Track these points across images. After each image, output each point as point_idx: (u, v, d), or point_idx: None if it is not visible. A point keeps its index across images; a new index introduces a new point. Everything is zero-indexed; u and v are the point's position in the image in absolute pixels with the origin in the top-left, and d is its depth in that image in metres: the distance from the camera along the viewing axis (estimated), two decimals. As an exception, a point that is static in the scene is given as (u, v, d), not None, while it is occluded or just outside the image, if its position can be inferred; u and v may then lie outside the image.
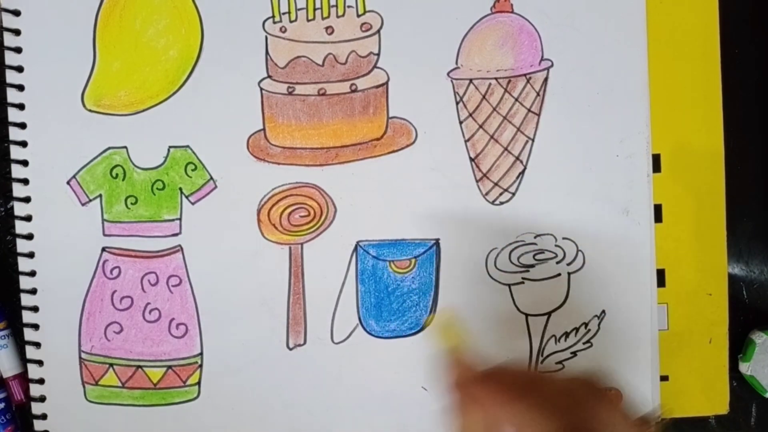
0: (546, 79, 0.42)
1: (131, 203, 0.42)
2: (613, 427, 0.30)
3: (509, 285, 0.42)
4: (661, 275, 0.42)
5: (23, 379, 0.43)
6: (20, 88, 0.41)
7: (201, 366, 0.42)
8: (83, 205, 0.42)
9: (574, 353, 0.42)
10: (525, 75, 0.41)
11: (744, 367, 0.42)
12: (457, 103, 0.42)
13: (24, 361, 0.42)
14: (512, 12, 0.41)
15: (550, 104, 0.42)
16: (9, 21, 0.41)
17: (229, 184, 0.42)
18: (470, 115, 0.42)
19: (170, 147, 0.42)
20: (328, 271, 0.42)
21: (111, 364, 0.42)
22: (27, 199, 0.42)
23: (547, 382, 0.32)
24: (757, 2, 0.44)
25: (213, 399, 0.42)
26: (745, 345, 0.43)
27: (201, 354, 0.42)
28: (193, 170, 0.42)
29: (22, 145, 0.41)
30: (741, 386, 0.44)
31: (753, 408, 0.44)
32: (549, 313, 0.42)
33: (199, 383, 0.42)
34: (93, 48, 0.42)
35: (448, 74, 0.42)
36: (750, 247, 0.44)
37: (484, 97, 0.41)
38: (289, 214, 0.42)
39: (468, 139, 0.42)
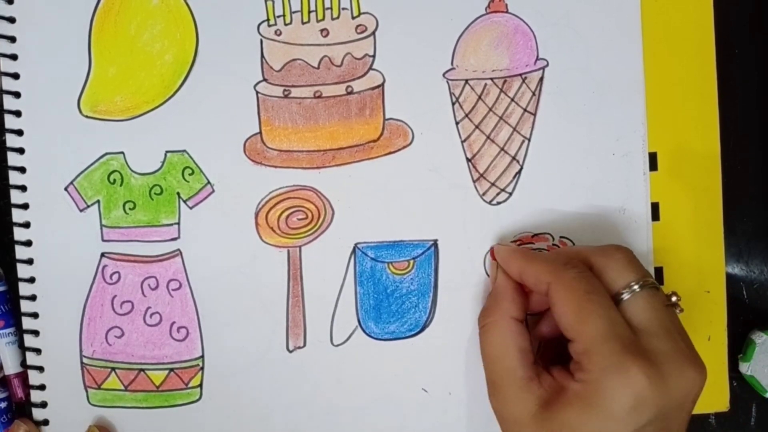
0: (541, 79, 0.41)
1: (129, 208, 0.42)
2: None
3: (508, 284, 0.42)
4: (658, 273, 0.42)
5: (25, 377, 0.43)
6: (17, 95, 0.41)
7: (203, 368, 0.42)
8: (81, 211, 0.42)
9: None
10: (520, 75, 0.41)
11: (744, 367, 0.42)
12: (453, 104, 0.41)
13: (25, 366, 0.42)
14: (507, 12, 0.41)
15: (545, 104, 0.41)
16: (4, 28, 0.41)
17: (227, 188, 0.42)
18: (466, 115, 0.41)
19: (167, 152, 0.42)
20: (326, 273, 0.42)
21: (113, 368, 0.42)
22: (25, 206, 0.42)
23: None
24: (756, 1, 0.43)
25: (215, 401, 0.42)
26: (745, 345, 0.43)
27: (202, 357, 0.42)
28: (190, 174, 0.42)
29: (20, 152, 0.41)
30: (741, 386, 0.43)
31: (753, 408, 0.44)
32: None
33: (201, 385, 0.42)
34: (88, 54, 0.41)
35: (443, 75, 0.41)
36: (750, 247, 0.44)
37: (479, 97, 0.41)
38: (287, 217, 0.42)
39: (464, 140, 0.42)
